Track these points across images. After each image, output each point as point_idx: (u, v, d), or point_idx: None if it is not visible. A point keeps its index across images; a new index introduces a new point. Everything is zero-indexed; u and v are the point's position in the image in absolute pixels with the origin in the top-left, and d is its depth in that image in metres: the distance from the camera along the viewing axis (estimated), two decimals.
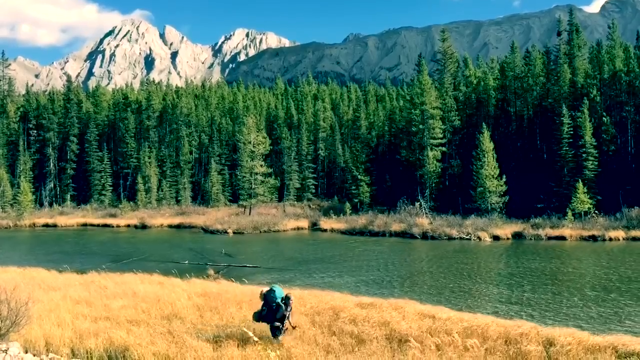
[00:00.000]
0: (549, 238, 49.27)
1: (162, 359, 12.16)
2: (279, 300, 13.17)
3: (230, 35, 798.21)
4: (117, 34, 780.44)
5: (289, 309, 13.24)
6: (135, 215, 77.04)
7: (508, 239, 50.55)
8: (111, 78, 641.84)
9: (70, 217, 79.48)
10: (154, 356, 12.21)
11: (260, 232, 61.78)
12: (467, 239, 50.48)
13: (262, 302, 13.49)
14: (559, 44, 69.18)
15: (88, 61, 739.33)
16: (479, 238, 50.10)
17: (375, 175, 76.69)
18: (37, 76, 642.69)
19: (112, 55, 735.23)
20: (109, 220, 76.06)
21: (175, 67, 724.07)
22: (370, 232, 56.93)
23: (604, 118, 60.05)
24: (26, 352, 12.87)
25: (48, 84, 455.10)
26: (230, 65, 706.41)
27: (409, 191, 67.22)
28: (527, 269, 33.09)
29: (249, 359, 11.83)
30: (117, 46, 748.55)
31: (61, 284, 21.77)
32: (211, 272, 30.74)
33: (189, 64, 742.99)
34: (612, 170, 59.22)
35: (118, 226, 73.22)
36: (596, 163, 58.08)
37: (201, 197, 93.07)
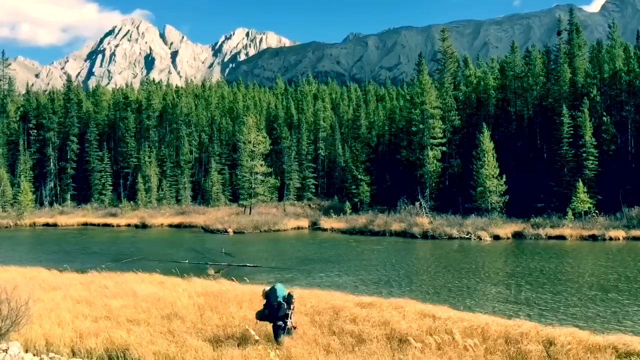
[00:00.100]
0: (549, 237, 49.29)
1: (162, 359, 12.16)
2: (280, 299, 13.16)
3: (231, 35, 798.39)
4: (117, 33, 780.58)
5: (291, 308, 13.24)
6: (136, 214, 77.08)
7: (508, 238, 50.56)
8: (111, 78, 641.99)
9: (70, 217, 79.50)
10: (154, 356, 12.21)
11: (261, 231, 61.79)
12: (467, 238, 50.49)
13: (264, 301, 13.49)
14: (559, 44, 69.15)
15: (88, 61, 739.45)
16: (479, 237, 50.11)
17: (376, 174, 76.70)
18: (37, 76, 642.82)
19: (112, 54, 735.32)
20: (109, 220, 76.09)
21: (175, 66, 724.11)
22: (370, 231, 56.93)
23: (604, 118, 60.04)
24: (26, 352, 12.88)
25: (48, 83, 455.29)
26: (231, 65, 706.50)
27: (409, 191, 67.22)
28: (527, 268, 33.11)
29: (249, 358, 11.83)
30: (117, 46, 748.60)
31: (61, 284, 21.77)
32: (211, 271, 30.74)
33: (189, 63, 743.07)
34: (612, 169, 59.23)
35: (118, 226, 73.25)
36: (596, 163, 58.08)
37: (201, 196, 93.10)
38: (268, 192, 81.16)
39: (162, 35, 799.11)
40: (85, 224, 75.92)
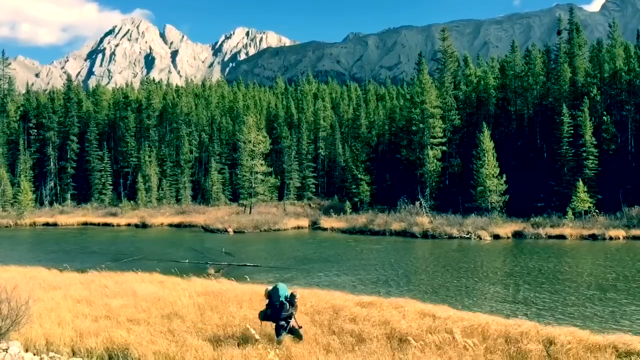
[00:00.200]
0: (549, 237, 49.31)
1: (162, 358, 12.16)
2: (282, 298, 13.13)
3: (231, 35, 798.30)
4: (117, 33, 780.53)
5: (294, 308, 13.21)
6: (136, 214, 77.11)
7: (508, 238, 50.58)
8: (111, 77, 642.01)
9: (70, 216, 79.52)
10: (155, 355, 12.21)
11: (261, 231, 61.81)
12: (467, 238, 50.51)
13: (267, 300, 13.48)
14: (559, 43, 69.13)
15: (88, 60, 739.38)
16: (479, 237, 50.12)
17: (376, 174, 76.72)
18: (37, 75, 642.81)
19: (112, 54, 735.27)
20: (110, 219, 76.11)
21: (175, 66, 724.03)
22: (370, 231, 56.94)
23: (604, 117, 60.03)
24: (26, 351, 12.88)
25: (48, 83, 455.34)
26: (231, 65, 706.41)
27: (409, 190, 67.23)
28: (527, 268, 33.11)
29: (249, 358, 11.83)
30: (117, 45, 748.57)
31: (62, 283, 21.77)
32: (211, 271, 30.75)
33: (189, 63, 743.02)
34: (612, 169, 59.23)
35: (118, 225, 73.27)
36: (596, 162, 58.08)
37: (201, 196, 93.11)
38: (268, 192, 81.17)
39: (162, 35, 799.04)
40: (85, 224, 75.94)
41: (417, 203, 61.88)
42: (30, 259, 38.10)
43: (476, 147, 60.61)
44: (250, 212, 72.89)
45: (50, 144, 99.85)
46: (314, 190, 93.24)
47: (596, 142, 58.41)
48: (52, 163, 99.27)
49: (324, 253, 42.35)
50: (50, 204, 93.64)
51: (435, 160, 66.99)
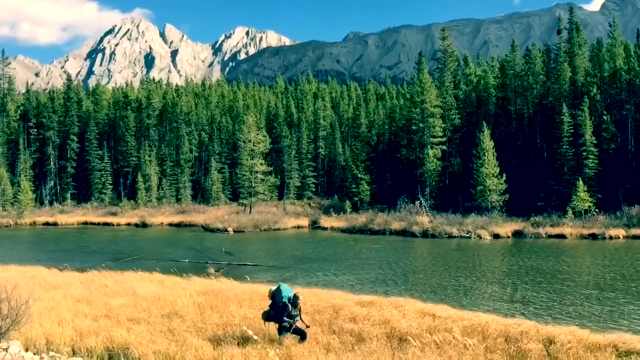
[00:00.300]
0: (549, 236, 49.31)
1: (162, 358, 12.17)
2: (285, 299, 13.11)
3: (230, 34, 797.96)
4: (117, 32, 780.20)
5: (297, 309, 13.18)
6: (136, 213, 77.11)
7: (508, 237, 50.58)
8: (111, 76, 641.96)
9: (70, 216, 79.52)
10: (155, 354, 12.22)
11: (261, 230, 61.81)
12: (467, 237, 50.51)
13: (270, 301, 13.46)
14: (559, 43, 69.11)
15: (88, 60, 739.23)
16: (479, 236, 50.12)
17: (376, 173, 76.71)
18: (37, 75, 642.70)
19: (112, 53, 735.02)
20: (110, 219, 76.11)
21: (175, 65, 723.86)
22: (370, 230, 56.94)
23: (604, 116, 60.03)
24: (27, 351, 12.88)
25: (48, 82, 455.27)
26: (230, 64, 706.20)
27: (409, 189, 67.23)
28: (527, 267, 33.11)
29: (249, 357, 11.84)
30: (117, 45, 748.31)
31: (61, 283, 21.78)
32: (211, 270, 30.74)
33: (189, 62, 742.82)
34: (612, 168, 59.22)
35: (118, 225, 73.28)
36: (596, 161, 58.08)
37: (201, 195, 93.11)
38: (268, 191, 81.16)
39: (162, 34, 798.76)
40: (85, 223, 75.94)
41: (417, 202, 61.88)
42: (30, 258, 38.10)
43: (476, 147, 60.61)
44: (250, 212, 72.89)
45: (50, 144, 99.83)
46: (313, 189, 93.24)
47: (596, 142, 58.40)
48: (52, 162, 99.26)
49: (324, 252, 42.36)
50: (50, 203, 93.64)
51: (435, 160, 66.99)
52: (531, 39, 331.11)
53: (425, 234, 52.51)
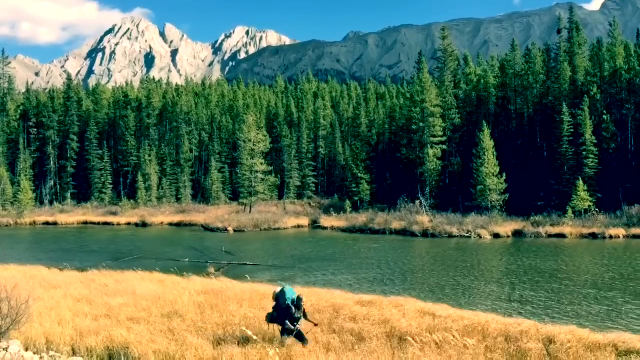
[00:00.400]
0: (549, 236, 49.32)
1: (162, 357, 12.17)
2: (289, 301, 13.10)
3: (230, 33, 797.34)
4: (117, 31, 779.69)
5: (300, 311, 13.15)
6: (136, 213, 77.12)
7: (508, 236, 50.59)
8: (111, 76, 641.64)
9: (70, 215, 79.52)
10: (154, 354, 12.22)
11: (261, 229, 61.82)
12: (467, 236, 50.52)
13: (274, 303, 13.44)
14: (559, 42, 69.09)
15: (88, 59, 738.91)
16: (479, 236, 50.13)
17: (375, 173, 76.71)
18: (37, 74, 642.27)
19: (112, 53, 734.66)
20: (109, 218, 76.11)
21: (175, 65, 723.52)
22: (370, 229, 56.95)
23: (604, 116, 60.03)
24: (26, 350, 12.88)
25: (48, 81, 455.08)
26: (230, 63, 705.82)
27: (409, 189, 67.23)
28: (527, 266, 33.12)
29: (249, 357, 11.84)
30: (117, 44, 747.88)
31: (61, 282, 21.78)
32: (211, 269, 30.75)
33: (189, 61, 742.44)
34: (612, 167, 59.23)
35: (118, 224, 73.29)
36: (596, 161, 58.09)
37: (201, 194, 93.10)
38: (268, 190, 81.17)
39: (162, 34, 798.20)
40: (85, 223, 75.95)
41: (417, 202, 61.88)
42: (30, 257, 38.10)
43: (476, 146, 60.61)
44: (250, 211, 72.89)
45: (50, 143, 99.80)
46: (313, 189, 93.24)
47: (596, 141, 58.41)
48: (51, 162, 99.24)
49: (324, 252, 42.37)
50: (50, 202, 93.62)
51: (435, 159, 66.99)
52: (531, 38, 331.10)
53: (425, 234, 52.52)
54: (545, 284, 27.19)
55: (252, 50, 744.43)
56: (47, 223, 75.95)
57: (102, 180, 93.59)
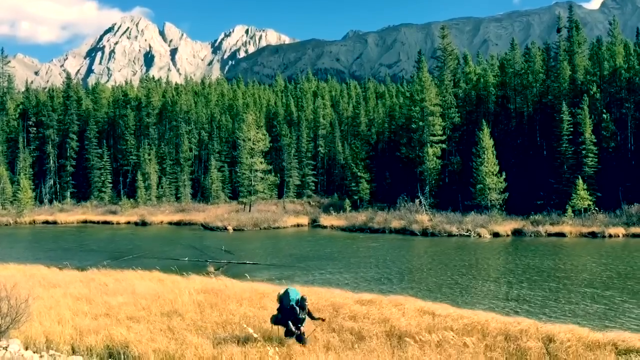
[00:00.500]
0: (549, 235, 49.34)
1: (162, 356, 12.17)
2: (293, 302, 13.09)
3: (230, 32, 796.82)
4: (117, 31, 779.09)
5: (305, 311, 13.13)
6: (135, 212, 77.11)
7: (508, 235, 50.60)
8: (110, 75, 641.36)
9: (70, 214, 79.50)
10: (154, 353, 12.22)
11: (260, 228, 61.82)
12: (466, 235, 50.52)
13: (279, 305, 13.43)
14: (559, 41, 69.07)
15: (87, 58, 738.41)
16: (479, 235, 50.14)
17: (375, 172, 76.70)
18: (36, 73, 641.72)
19: (112, 52, 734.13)
20: (109, 217, 76.08)
21: (174, 64, 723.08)
22: (370, 229, 56.95)
23: (603, 115, 60.01)
24: (26, 349, 12.88)
25: (47, 81, 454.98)
26: (230, 62, 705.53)
27: (409, 188, 67.23)
28: (526, 265, 33.13)
29: (249, 356, 11.84)
30: (116, 43, 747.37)
31: (61, 281, 21.78)
32: (211, 269, 30.76)
33: (189, 61, 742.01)
34: (612, 167, 59.22)
35: (118, 223, 73.26)
36: (596, 160, 58.09)
37: (201, 194, 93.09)
38: (268, 190, 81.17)
39: (162, 33, 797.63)
40: (85, 222, 75.92)
41: (417, 201, 61.88)
42: (29, 256, 38.10)
43: (476, 145, 60.60)
44: (249, 210, 72.88)
45: (50, 142, 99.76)
46: (313, 188, 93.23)
47: (596, 140, 58.40)
48: (51, 161, 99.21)
49: (323, 251, 42.37)
50: (50, 202, 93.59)
51: (434, 158, 66.98)
52: (531, 38, 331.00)
53: (424, 233, 52.54)
54: (544, 283, 27.21)
55: (251, 49, 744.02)
56: (46, 222, 75.94)
57: (102, 179, 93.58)
